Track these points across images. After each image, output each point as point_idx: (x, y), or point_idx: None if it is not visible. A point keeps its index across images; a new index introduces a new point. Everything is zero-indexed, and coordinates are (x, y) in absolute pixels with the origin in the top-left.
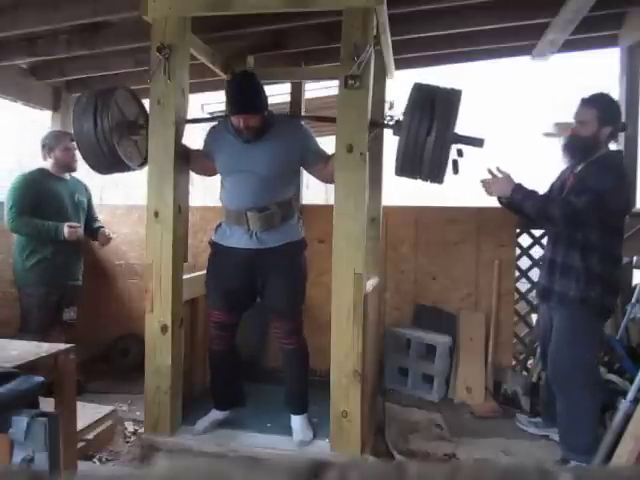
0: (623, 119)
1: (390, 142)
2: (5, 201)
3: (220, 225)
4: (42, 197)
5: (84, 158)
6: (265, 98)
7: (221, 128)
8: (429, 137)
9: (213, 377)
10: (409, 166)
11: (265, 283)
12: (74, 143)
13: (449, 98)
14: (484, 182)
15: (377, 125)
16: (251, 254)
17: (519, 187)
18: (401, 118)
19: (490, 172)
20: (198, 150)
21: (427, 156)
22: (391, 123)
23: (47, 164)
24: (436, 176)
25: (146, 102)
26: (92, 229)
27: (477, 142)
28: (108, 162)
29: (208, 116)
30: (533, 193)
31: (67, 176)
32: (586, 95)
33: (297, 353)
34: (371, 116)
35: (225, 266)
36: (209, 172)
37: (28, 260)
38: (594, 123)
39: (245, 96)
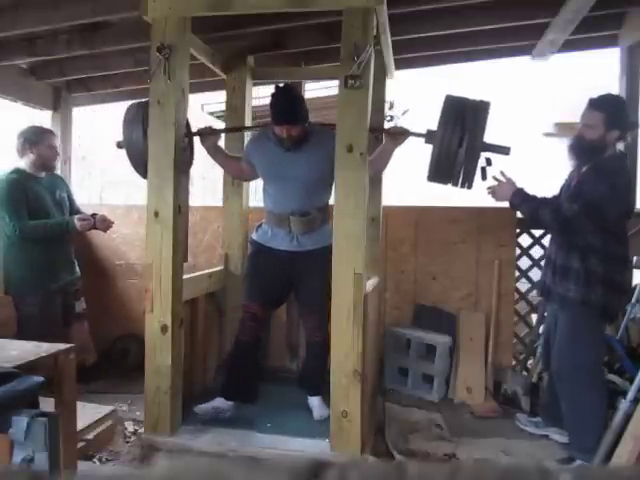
0: None
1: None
2: None
3: (261, 225)
4: (28, 201)
5: (133, 165)
6: (306, 110)
7: (262, 137)
8: (460, 148)
9: (230, 366)
10: (441, 173)
11: (301, 282)
12: (57, 141)
13: (478, 109)
14: (491, 189)
15: (407, 134)
16: (291, 256)
17: (519, 191)
18: (418, 129)
19: (495, 179)
20: (236, 155)
21: (459, 164)
22: (423, 132)
23: (24, 162)
24: (465, 182)
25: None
26: None
27: (504, 150)
28: None
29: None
30: (531, 197)
31: (43, 174)
32: (594, 96)
33: (323, 345)
34: (399, 126)
35: (266, 264)
36: (245, 176)
37: (20, 270)
38: (601, 127)
39: (288, 107)
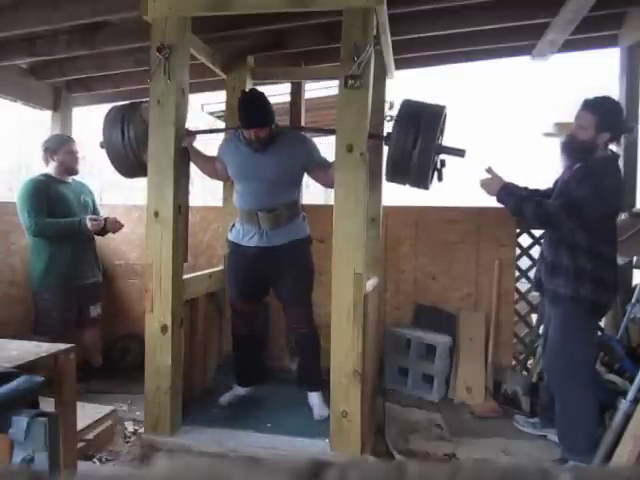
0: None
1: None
2: (19, 208)
3: (234, 225)
4: (51, 201)
5: (113, 164)
6: (272, 113)
7: (233, 139)
8: (414, 149)
9: (235, 357)
10: (397, 173)
11: (276, 277)
12: (77, 147)
13: (433, 113)
14: (484, 181)
15: (371, 136)
16: (261, 252)
17: (505, 186)
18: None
19: (487, 171)
20: (211, 156)
21: (413, 165)
22: (383, 135)
23: (50, 168)
24: (421, 183)
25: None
26: None
27: (459, 153)
28: (134, 168)
29: (220, 128)
30: (516, 192)
31: (70, 179)
32: (589, 97)
33: (311, 336)
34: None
35: (239, 262)
36: (220, 176)
37: (43, 265)
38: (592, 128)
39: (255, 111)
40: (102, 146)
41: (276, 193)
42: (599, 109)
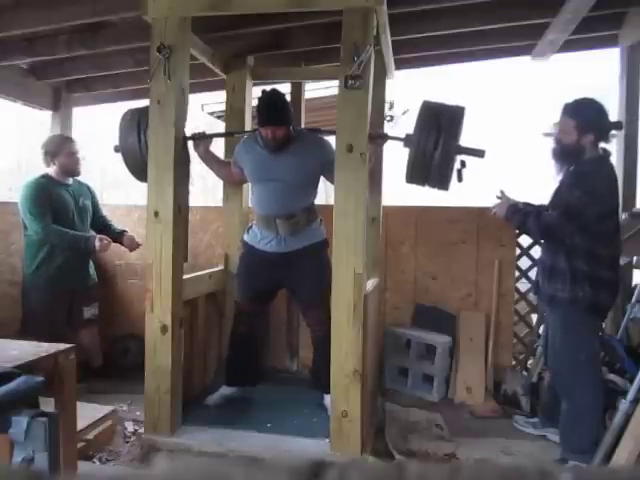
0: (623, 119)
1: (392, 145)
2: (23, 210)
3: (251, 227)
4: (51, 204)
5: (128, 167)
6: (291, 113)
7: (250, 141)
8: (436, 151)
9: (229, 356)
10: (418, 175)
11: (295, 281)
12: (77, 147)
13: (453, 114)
14: (494, 208)
15: (386, 137)
16: (279, 257)
17: (511, 206)
18: (410, 131)
19: (498, 197)
20: (227, 160)
21: (434, 167)
22: (402, 136)
23: (50, 170)
24: (442, 184)
25: (146, 102)
26: (108, 230)
27: (479, 153)
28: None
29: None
30: (521, 211)
31: (70, 180)
32: (569, 101)
33: (327, 339)
34: (378, 129)
35: (254, 265)
36: (236, 180)
37: (34, 266)
38: (573, 133)
39: (273, 110)
40: (117, 150)
41: (294, 197)
42: (577, 112)
